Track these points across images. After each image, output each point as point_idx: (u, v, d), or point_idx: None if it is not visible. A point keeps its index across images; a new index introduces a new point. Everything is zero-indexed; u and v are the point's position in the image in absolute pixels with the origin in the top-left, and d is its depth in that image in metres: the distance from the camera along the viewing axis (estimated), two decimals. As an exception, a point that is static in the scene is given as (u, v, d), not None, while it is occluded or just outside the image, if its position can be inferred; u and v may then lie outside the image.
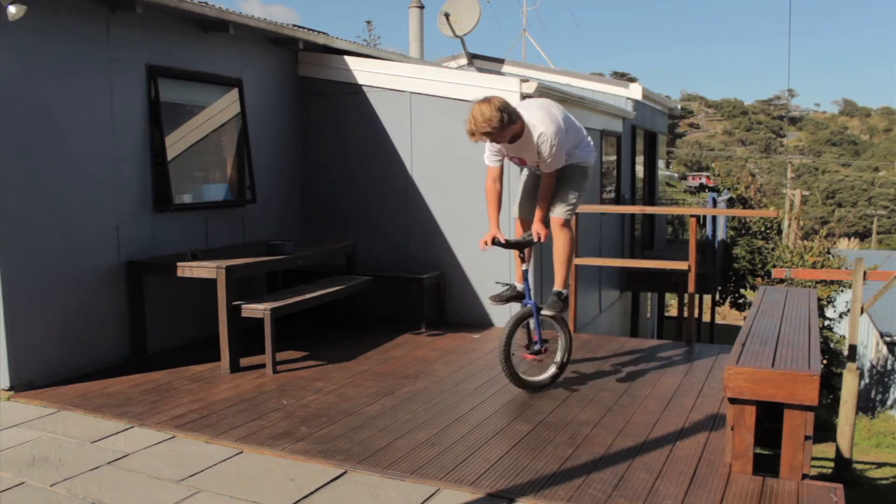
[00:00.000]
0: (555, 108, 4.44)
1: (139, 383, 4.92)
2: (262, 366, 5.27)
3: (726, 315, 22.59)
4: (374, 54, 7.74)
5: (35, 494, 3.29)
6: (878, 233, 53.69)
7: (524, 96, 6.45)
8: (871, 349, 20.13)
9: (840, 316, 15.28)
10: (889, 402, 18.61)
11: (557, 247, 4.64)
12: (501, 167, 4.60)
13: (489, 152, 4.55)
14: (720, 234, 11.56)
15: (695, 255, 6.13)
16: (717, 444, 3.79)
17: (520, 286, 4.78)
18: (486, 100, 4.13)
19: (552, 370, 4.81)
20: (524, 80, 6.55)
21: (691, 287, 6.25)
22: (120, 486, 3.36)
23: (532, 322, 4.74)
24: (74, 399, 4.57)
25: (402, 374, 5.15)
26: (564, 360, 4.82)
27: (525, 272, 4.72)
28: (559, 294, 4.73)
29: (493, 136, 4.16)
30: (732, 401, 3.41)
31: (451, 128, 6.73)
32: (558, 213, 4.59)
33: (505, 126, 4.13)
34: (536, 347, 4.76)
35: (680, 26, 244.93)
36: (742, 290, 15.19)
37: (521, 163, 4.59)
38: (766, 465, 3.44)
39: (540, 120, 4.30)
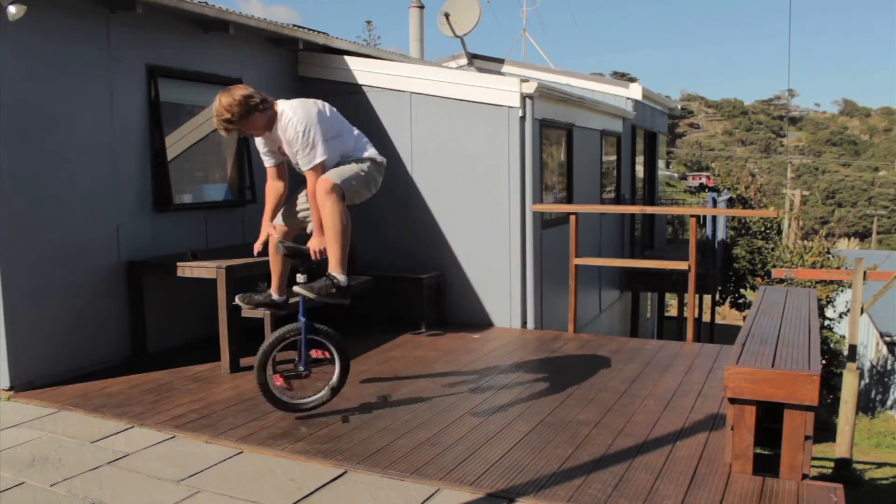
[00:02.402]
0: (318, 105, 3.99)
1: (139, 383, 4.92)
2: (262, 366, 5.26)
3: (726, 315, 22.57)
4: (374, 54, 7.74)
5: (35, 494, 3.29)
6: (878, 233, 53.68)
7: (524, 96, 6.46)
8: (871, 349, 20.13)
9: (840, 316, 15.28)
10: (889, 402, 18.61)
11: (324, 217, 3.84)
12: (279, 165, 4.21)
13: (261, 152, 4.18)
14: (720, 234, 11.56)
15: (695, 255, 6.13)
16: (717, 444, 3.79)
17: (277, 297, 4.36)
18: (228, 89, 3.86)
19: (323, 393, 4.24)
20: (524, 80, 6.55)
21: (691, 287, 6.25)
22: (120, 486, 3.36)
23: (301, 341, 4.17)
24: (74, 399, 4.57)
25: (402, 374, 5.15)
26: (337, 384, 4.25)
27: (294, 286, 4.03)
28: (329, 277, 3.91)
29: (234, 124, 3.83)
30: (732, 401, 3.41)
31: (451, 128, 6.73)
32: (328, 175, 3.89)
33: (246, 115, 3.81)
34: (301, 369, 4.16)
35: (680, 26, 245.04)
36: (742, 290, 15.19)
37: (284, 155, 4.09)
38: (766, 465, 3.44)
39: (291, 107, 3.90)
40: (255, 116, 3.86)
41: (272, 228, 4.21)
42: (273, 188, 4.23)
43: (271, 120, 3.95)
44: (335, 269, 3.90)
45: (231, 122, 3.82)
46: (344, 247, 3.87)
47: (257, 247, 4.25)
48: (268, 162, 4.19)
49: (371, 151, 4.18)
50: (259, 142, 4.12)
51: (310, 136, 3.85)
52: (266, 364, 4.09)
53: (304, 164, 3.90)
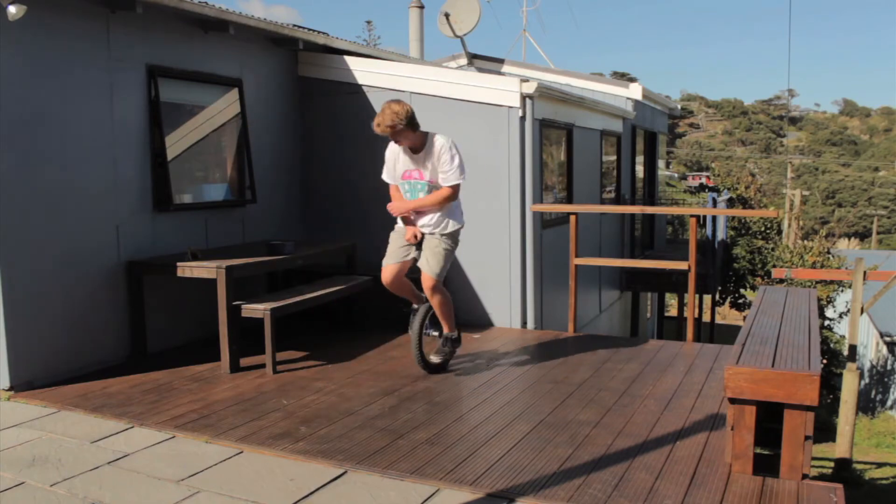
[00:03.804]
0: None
1: (139, 383, 4.92)
2: (262, 366, 5.27)
3: (726, 315, 22.58)
4: (374, 54, 7.74)
5: (35, 494, 3.29)
6: (878, 233, 53.70)
7: (524, 96, 6.46)
8: (871, 349, 20.13)
9: (840, 316, 15.27)
10: (889, 402, 18.61)
11: (434, 304, 4.99)
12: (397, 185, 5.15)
13: (387, 170, 5.10)
14: (720, 234, 11.56)
15: (695, 255, 6.13)
16: (717, 444, 3.79)
17: (418, 305, 5.21)
18: (398, 101, 4.76)
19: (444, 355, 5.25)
20: (524, 80, 6.56)
21: (691, 287, 6.25)
22: (120, 486, 3.36)
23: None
24: (74, 399, 4.57)
25: (402, 374, 5.15)
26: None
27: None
28: (447, 337, 5.18)
29: (394, 130, 4.69)
30: (732, 401, 3.41)
31: (451, 128, 6.71)
32: (430, 271, 4.88)
33: (406, 126, 4.70)
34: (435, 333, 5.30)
35: (680, 26, 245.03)
36: (742, 290, 15.17)
37: (411, 177, 4.97)
38: (766, 465, 3.44)
39: (446, 138, 4.87)
40: (408, 131, 4.75)
41: (418, 230, 5.02)
42: (398, 198, 5.12)
43: (418, 141, 4.84)
44: (450, 331, 5.15)
45: (394, 127, 4.69)
46: (451, 316, 5.09)
47: (411, 238, 5.02)
48: (389, 180, 5.13)
49: (461, 221, 5.17)
50: (396, 159, 5.00)
51: (456, 162, 4.85)
52: (421, 336, 5.01)
53: (449, 181, 4.85)
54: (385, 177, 5.15)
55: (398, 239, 5.08)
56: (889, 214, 58.88)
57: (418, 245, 5.00)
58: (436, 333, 5.26)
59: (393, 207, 5.00)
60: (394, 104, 4.71)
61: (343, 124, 7.17)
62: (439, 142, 4.83)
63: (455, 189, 4.88)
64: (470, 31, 11.12)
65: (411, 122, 4.71)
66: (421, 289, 5.00)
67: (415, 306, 5.23)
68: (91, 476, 3.47)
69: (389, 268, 5.04)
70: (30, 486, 3.36)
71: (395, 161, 5.01)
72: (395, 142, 4.84)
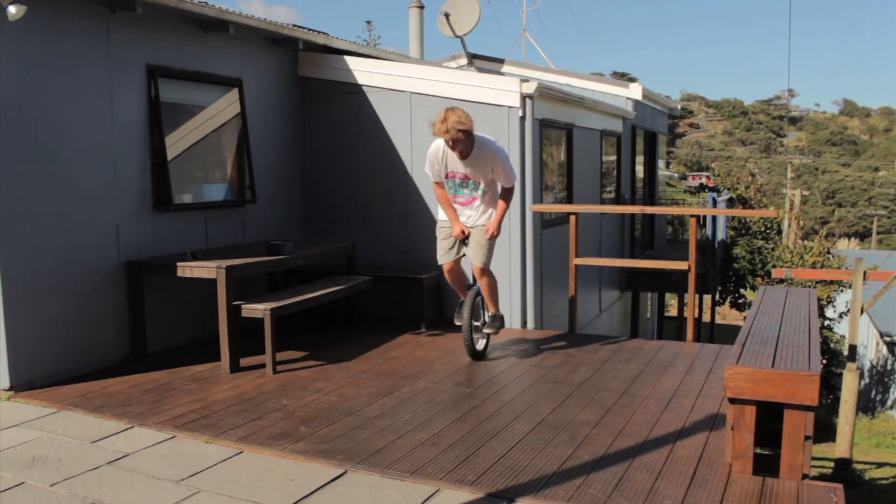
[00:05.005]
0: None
1: (139, 383, 4.92)
2: (262, 366, 5.27)
3: (726, 315, 22.58)
4: (374, 54, 7.74)
5: (35, 494, 3.29)
6: (878, 233, 53.70)
7: (524, 96, 6.46)
8: (871, 349, 20.13)
9: (840, 316, 15.27)
10: (889, 402, 18.62)
11: (484, 286, 5.36)
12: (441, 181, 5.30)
13: (435, 168, 5.18)
14: (720, 234, 11.55)
15: (695, 255, 6.13)
16: (717, 444, 3.79)
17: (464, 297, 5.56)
18: (457, 108, 4.85)
19: (483, 342, 5.61)
20: (524, 80, 6.55)
21: (691, 287, 6.25)
22: (120, 486, 3.36)
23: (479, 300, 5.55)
24: (74, 399, 4.57)
25: (402, 374, 5.15)
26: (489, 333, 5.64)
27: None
28: (495, 316, 5.52)
29: (463, 135, 4.80)
30: (732, 401, 3.41)
31: (451, 128, 6.72)
32: (480, 261, 5.22)
33: (469, 132, 4.85)
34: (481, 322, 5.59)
35: (680, 26, 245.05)
36: (742, 290, 15.17)
37: (456, 176, 5.16)
38: (766, 465, 3.44)
39: (491, 140, 5.09)
40: (469, 137, 4.91)
41: (464, 225, 5.28)
42: (443, 194, 5.30)
43: (472, 146, 4.99)
44: (495, 311, 5.49)
45: (468, 131, 4.83)
46: (497, 297, 5.47)
47: (459, 234, 5.26)
48: (435, 178, 5.24)
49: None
50: (443, 158, 5.10)
51: (510, 165, 5.17)
52: (471, 323, 5.33)
53: (507, 183, 5.18)
54: (430, 172, 5.26)
55: (447, 237, 5.33)
56: (889, 214, 58.88)
57: (464, 239, 5.30)
58: (477, 324, 5.53)
59: (491, 227, 5.19)
60: (458, 111, 4.82)
61: (343, 124, 7.17)
62: (494, 148, 5.06)
63: (513, 188, 5.25)
64: (470, 31, 11.12)
65: (471, 130, 4.89)
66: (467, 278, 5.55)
67: (462, 299, 5.52)
68: (91, 476, 3.47)
69: (447, 266, 5.39)
70: (30, 486, 3.36)
71: (442, 160, 5.14)
72: (453, 147, 4.94)
